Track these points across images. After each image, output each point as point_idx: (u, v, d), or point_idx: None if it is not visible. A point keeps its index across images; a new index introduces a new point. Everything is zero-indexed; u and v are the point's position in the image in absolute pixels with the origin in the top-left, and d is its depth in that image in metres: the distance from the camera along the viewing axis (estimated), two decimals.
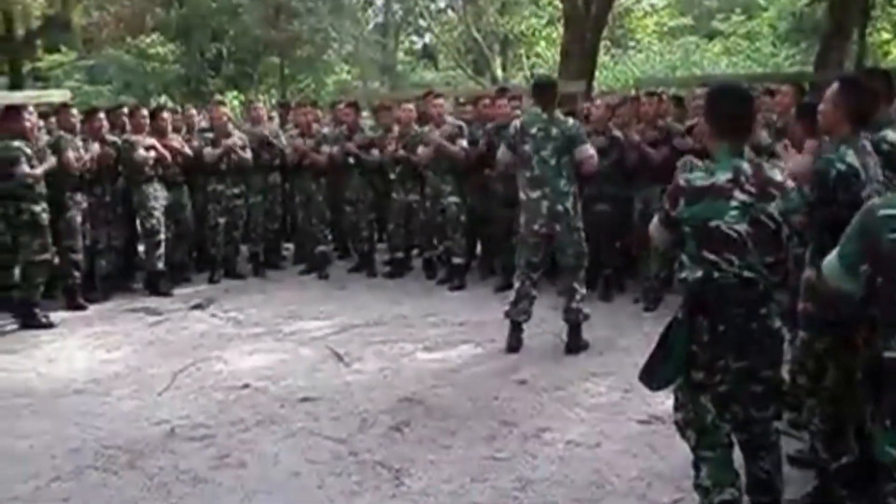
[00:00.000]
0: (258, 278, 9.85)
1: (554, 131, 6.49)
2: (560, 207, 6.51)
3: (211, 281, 9.64)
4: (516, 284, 6.77)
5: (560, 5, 16.18)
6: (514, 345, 6.79)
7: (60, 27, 23.01)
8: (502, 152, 6.79)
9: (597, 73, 16.34)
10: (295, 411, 5.56)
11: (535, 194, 6.52)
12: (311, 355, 6.83)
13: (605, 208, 8.11)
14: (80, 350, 7.24)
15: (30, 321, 7.92)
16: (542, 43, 28.69)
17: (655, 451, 4.81)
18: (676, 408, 3.69)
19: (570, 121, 6.71)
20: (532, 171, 6.53)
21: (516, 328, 6.82)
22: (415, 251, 9.96)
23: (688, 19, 28.38)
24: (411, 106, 9.60)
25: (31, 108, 8.54)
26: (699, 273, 3.46)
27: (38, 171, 7.86)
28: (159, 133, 9.15)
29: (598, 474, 4.56)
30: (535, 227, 6.55)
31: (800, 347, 4.02)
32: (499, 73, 28.83)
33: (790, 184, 3.55)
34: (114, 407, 5.80)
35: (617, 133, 8.23)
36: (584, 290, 6.78)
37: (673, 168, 3.81)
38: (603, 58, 21.26)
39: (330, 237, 10.05)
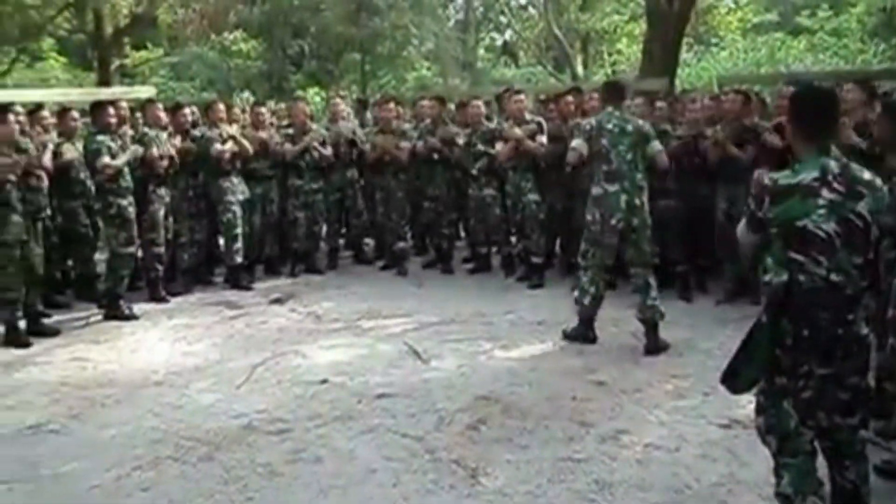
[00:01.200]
0: (337, 274, 9.89)
1: (629, 127, 6.65)
2: (637, 201, 6.62)
3: (291, 275, 9.71)
4: (585, 279, 6.83)
5: (642, 2, 15.99)
6: (593, 337, 6.89)
7: (147, 25, 23.47)
8: (578, 143, 6.80)
9: (679, 71, 16.09)
10: (372, 408, 5.55)
11: (614, 188, 6.58)
12: (389, 351, 6.82)
13: (670, 203, 7.96)
14: (162, 342, 7.34)
15: (114, 313, 8.08)
16: (624, 40, 28.44)
17: (736, 456, 4.68)
18: (758, 412, 3.59)
19: (641, 120, 6.91)
20: (610, 165, 6.61)
21: (589, 324, 6.91)
22: (493, 248, 9.89)
23: (773, 15, 27.81)
24: (480, 102, 9.60)
25: (122, 104, 8.73)
26: (784, 276, 3.36)
27: (117, 161, 7.97)
28: (256, 126, 9.36)
29: (676, 479, 4.45)
30: (613, 221, 6.58)
31: (890, 355, 3.88)
32: (579, 70, 28.59)
33: (880, 182, 3.42)
34: (193, 399, 5.85)
35: (667, 127, 8.13)
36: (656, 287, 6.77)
37: (760, 166, 3.71)
38: (685, 55, 20.95)
39: (409, 233, 10.05)
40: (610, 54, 29.28)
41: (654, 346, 6.62)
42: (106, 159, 7.89)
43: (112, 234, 8.09)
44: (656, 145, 6.76)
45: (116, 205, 8.02)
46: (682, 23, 13.73)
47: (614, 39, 28.89)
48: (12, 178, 7.15)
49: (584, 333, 6.90)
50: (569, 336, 6.94)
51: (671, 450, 4.80)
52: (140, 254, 8.55)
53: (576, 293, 7.00)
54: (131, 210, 8.10)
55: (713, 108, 8.37)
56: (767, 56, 23.05)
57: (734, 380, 3.56)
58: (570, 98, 9.16)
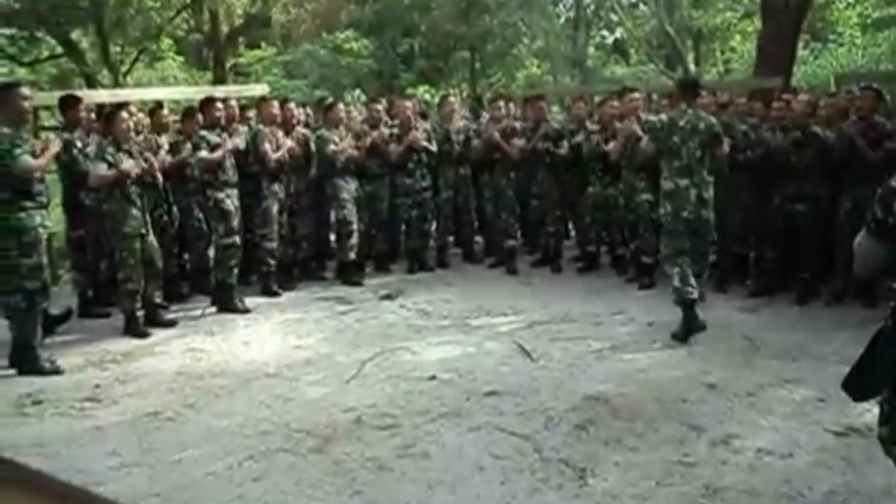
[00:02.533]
0: (447, 271, 9.93)
1: (701, 126, 6.99)
2: (706, 195, 7.04)
3: (409, 272, 9.80)
4: (674, 269, 6.93)
5: None
6: (699, 326, 6.87)
7: (261, 24, 23.93)
8: (645, 144, 7.37)
9: (795, 68, 15.69)
10: (480, 405, 5.53)
11: (684, 182, 6.98)
12: (498, 349, 6.80)
13: (804, 208, 7.76)
14: (273, 335, 7.47)
15: (227, 305, 8.26)
16: (737, 37, 27.89)
17: (852, 465, 4.52)
18: (881, 422, 3.43)
19: (712, 119, 7.21)
20: (681, 161, 7.00)
21: (690, 308, 6.86)
22: (603, 248, 9.78)
23: (894, 10, 26.87)
24: (582, 104, 9.82)
25: (232, 102, 8.91)
26: None
27: (214, 155, 8.14)
28: (370, 124, 9.57)
29: (789, 486, 4.33)
30: (684, 214, 6.98)
31: None
32: (691, 68, 28.11)
33: None
34: (303, 392, 5.94)
35: (816, 129, 7.85)
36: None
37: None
38: (801, 51, 20.42)
39: (519, 231, 10.03)
40: (722, 52, 28.77)
41: (694, 327, 6.85)
42: (202, 153, 8.07)
43: (214, 227, 8.30)
44: (724, 147, 7.23)
45: (214, 198, 8.22)
46: (799, 18, 13.39)
47: (727, 37, 28.35)
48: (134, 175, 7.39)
49: (690, 323, 6.86)
50: (679, 336, 6.84)
51: (784, 456, 4.67)
52: (252, 248, 8.73)
53: (672, 286, 6.99)
54: (229, 203, 8.25)
55: (833, 105, 8.15)
56: (888, 52, 22.31)
57: (857, 386, 3.42)
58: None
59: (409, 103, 10.17)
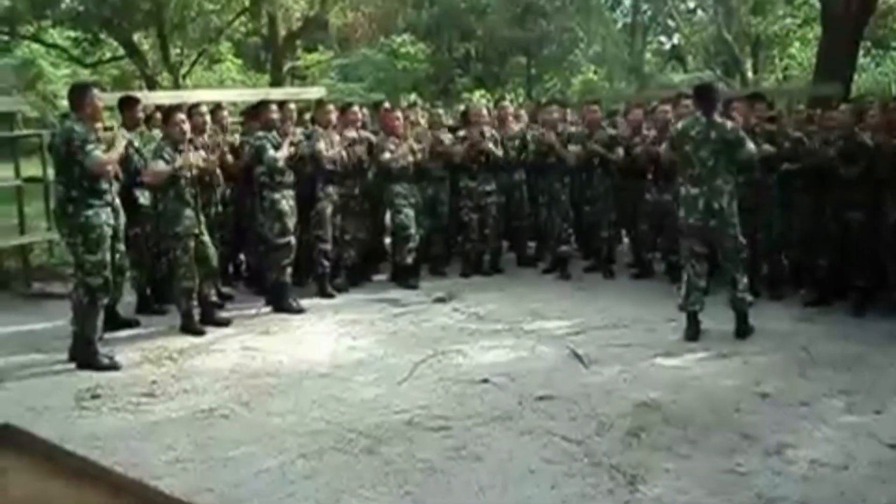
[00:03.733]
0: (501, 275, 9.93)
1: (713, 134, 6.93)
2: (716, 205, 6.96)
3: (463, 276, 9.83)
4: (684, 276, 7.18)
5: (817, 4, 15.48)
6: (692, 335, 7.07)
7: (318, 28, 24.11)
8: (665, 149, 7.46)
9: (855, 76, 15.50)
10: (532, 409, 5.53)
11: (695, 191, 7.00)
12: (551, 354, 6.80)
13: (857, 216, 7.68)
14: (327, 336, 7.53)
15: (282, 305, 8.33)
16: (797, 44, 27.59)
17: None
18: None
19: (729, 124, 7.11)
20: (693, 169, 7.03)
21: (692, 319, 7.12)
22: (657, 255, 9.72)
23: None
24: (639, 111, 9.86)
25: (290, 105, 9.01)
26: None
27: (280, 153, 8.22)
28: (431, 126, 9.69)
29: (843, 498, 4.28)
30: (692, 220, 7.05)
31: None
32: (750, 74, 27.87)
33: None
34: (356, 393, 5.97)
35: (865, 138, 7.79)
36: (745, 280, 7.16)
37: None
38: (862, 59, 20.15)
39: (573, 236, 10.01)
40: (781, 59, 28.47)
41: (743, 331, 7.09)
42: (271, 152, 8.15)
43: (268, 227, 8.36)
44: (749, 150, 7.04)
45: (270, 199, 8.28)
46: (860, 26, 13.26)
47: (786, 43, 28.05)
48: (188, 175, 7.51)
49: (690, 331, 7.12)
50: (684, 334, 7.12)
51: (839, 468, 4.61)
52: (307, 249, 8.80)
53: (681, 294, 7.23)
54: (284, 204, 8.31)
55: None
56: None
57: None
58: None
59: (483, 109, 10.22)
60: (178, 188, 7.46)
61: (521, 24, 23.59)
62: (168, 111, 7.96)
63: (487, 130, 9.81)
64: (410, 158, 9.24)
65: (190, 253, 7.54)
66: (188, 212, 7.52)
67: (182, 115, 7.70)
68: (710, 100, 7.09)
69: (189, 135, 7.68)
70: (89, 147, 6.40)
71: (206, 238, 7.72)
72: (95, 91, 6.73)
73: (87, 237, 6.51)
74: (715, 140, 6.90)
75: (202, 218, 7.70)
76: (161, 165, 7.38)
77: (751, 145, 7.04)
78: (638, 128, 9.35)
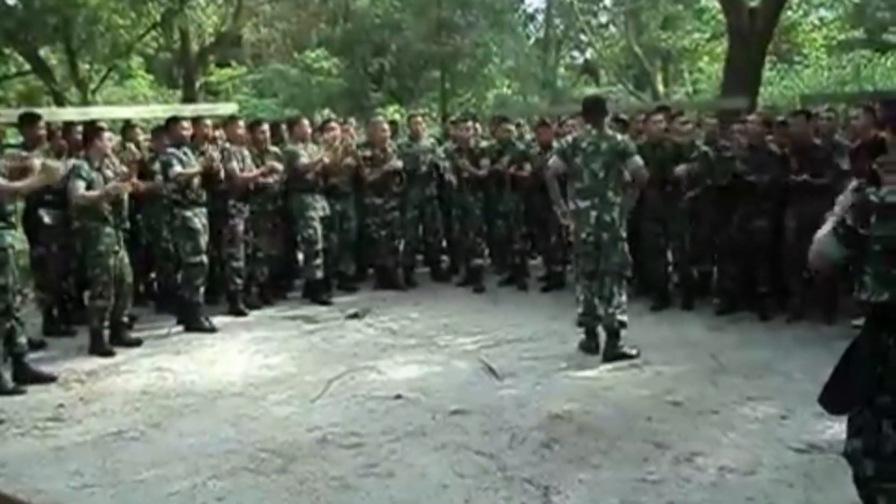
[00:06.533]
0: (414, 290, 9.95)
1: (603, 146, 6.89)
2: (607, 217, 6.90)
3: (376, 291, 9.85)
4: (580, 295, 7.12)
5: (724, 20, 15.85)
6: (593, 348, 7.08)
7: (231, 43, 23.91)
8: (553, 160, 7.16)
9: (761, 89, 15.89)
10: (445, 424, 5.55)
11: (585, 204, 6.94)
12: (464, 368, 6.82)
13: (761, 224, 7.92)
14: (240, 354, 7.46)
15: (193, 324, 8.23)
16: (705, 58, 28.22)
17: (814, 481, 4.55)
18: (852, 434, 3.45)
19: (619, 136, 7.15)
20: (582, 183, 6.95)
21: (591, 334, 7.12)
22: (569, 267, 9.83)
23: (859, 32, 27.16)
24: (468, 124, 10.17)
25: (207, 122, 8.94)
26: (885, 295, 3.25)
27: (188, 170, 8.15)
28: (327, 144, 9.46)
29: (751, 503, 4.37)
30: (583, 235, 6.97)
31: None
32: (660, 88, 28.36)
33: None
34: (269, 411, 5.92)
35: (774, 148, 8.06)
36: (623, 298, 7.00)
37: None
38: (768, 73, 20.67)
39: (486, 250, 10.09)
40: (691, 73, 29.06)
41: (612, 354, 6.90)
42: (178, 168, 8.06)
43: (180, 245, 8.28)
44: (636, 161, 6.94)
45: (182, 216, 8.21)
46: (765, 40, 13.62)
47: (695, 58, 28.65)
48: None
49: (588, 346, 7.14)
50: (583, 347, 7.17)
51: (746, 473, 4.71)
52: (219, 268, 8.72)
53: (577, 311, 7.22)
54: (196, 221, 8.26)
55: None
56: (853, 74, 22.63)
57: (834, 399, 3.47)
58: (658, 118, 8.83)
59: (384, 124, 10.23)
60: (97, 206, 7.36)
61: (436, 39, 23.64)
62: (88, 131, 7.78)
63: (390, 146, 9.86)
64: (323, 161, 9.23)
65: (109, 272, 7.44)
66: (108, 229, 7.44)
67: (106, 135, 7.62)
68: (600, 112, 7.10)
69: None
70: None
71: (124, 254, 7.63)
72: None
73: None
74: (605, 152, 6.87)
75: (120, 235, 7.58)
76: (81, 185, 7.26)
77: (638, 158, 6.97)
78: (547, 145, 9.41)
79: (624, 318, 6.95)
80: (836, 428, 4.88)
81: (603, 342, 7.00)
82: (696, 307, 8.51)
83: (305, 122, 9.77)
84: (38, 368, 6.85)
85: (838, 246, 3.37)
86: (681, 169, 8.26)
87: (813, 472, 4.66)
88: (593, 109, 7.12)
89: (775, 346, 7.14)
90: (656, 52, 29.06)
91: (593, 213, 6.90)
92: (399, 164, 9.74)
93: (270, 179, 8.95)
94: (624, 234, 7.02)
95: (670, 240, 8.51)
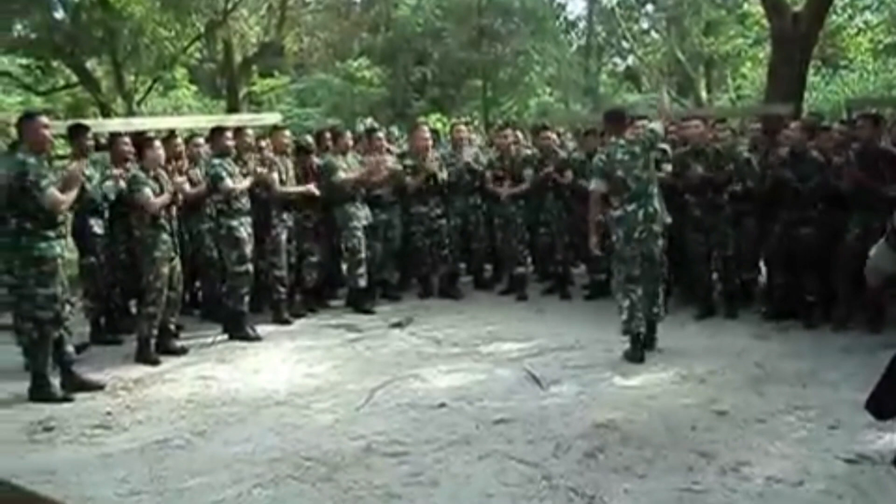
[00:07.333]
0: (457, 298, 9.95)
1: (637, 149, 7.14)
2: (651, 209, 7.15)
3: (420, 299, 9.89)
4: (626, 301, 7.19)
5: (767, 25, 15.71)
6: (638, 357, 7.10)
7: (274, 53, 24.08)
8: (596, 183, 7.30)
9: (806, 94, 15.73)
10: (490, 433, 5.52)
11: (632, 207, 7.12)
12: (508, 377, 6.79)
13: (808, 231, 7.83)
14: (284, 363, 7.49)
15: (238, 333, 8.28)
16: (748, 63, 28.00)
17: (863, 493, 4.46)
18: None
19: (646, 132, 7.35)
20: (630, 191, 7.12)
21: (636, 342, 7.17)
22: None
23: None
24: (508, 132, 10.24)
25: (248, 131, 9.00)
26: None
27: (239, 185, 8.24)
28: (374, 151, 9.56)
29: None
30: (636, 235, 7.10)
31: None
32: (703, 94, 28.19)
33: None
34: (313, 420, 5.93)
35: (816, 155, 7.96)
36: (662, 296, 7.52)
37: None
38: (813, 78, 20.46)
39: (529, 259, 10.07)
40: (734, 78, 28.85)
41: (652, 344, 7.33)
42: (228, 182, 8.13)
43: (225, 254, 8.34)
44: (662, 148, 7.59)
45: (227, 226, 8.27)
46: (809, 45, 13.48)
47: (738, 63, 28.44)
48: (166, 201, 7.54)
49: (635, 354, 7.14)
50: (628, 356, 7.18)
51: (794, 484, 4.63)
52: (263, 276, 8.78)
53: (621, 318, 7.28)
54: (242, 231, 8.30)
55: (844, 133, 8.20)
56: None
57: (882, 406, 3.42)
58: (695, 122, 8.86)
59: (427, 132, 10.24)
60: (155, 214, 7.47)
61: (477, 48, 23.69)
62: (141, 142, 7.91)
63: (432, 154, 9.88)
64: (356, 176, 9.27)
65: (163, 279, 7.53)
66: (164, 237, 7.54)
67: (158, 144, 7.77)
68: (620, 122, 7.40)
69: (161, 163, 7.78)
70: (44, 183, 6.30)
71: (177, 263, 7.71)
72: (42, 119, 6.60)
73: (40, 270, 6.42)
74: (640, 154, 7.10)
75: (176, 243, 7.69)
76: (147, 193, 7.40)
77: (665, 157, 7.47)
78: (592, 153, 9.37)
79: (662, 310, 7.42)
80: (886, 438, 4.84)
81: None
82: (740, 315, 8.43)
83: (348, 134, 9.81)
84: (86, 376, 6.92)
85: (893, 256, 3.30)
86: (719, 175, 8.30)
87: (862, 483, 4.57)
88: (615, 121, 7.42)
89: (821, 355, 7.05)
90: (699, 57, 28.89)
91: (641, 212, 7.08)
92: (435, 166, 9.73)
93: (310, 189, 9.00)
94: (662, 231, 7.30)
95: (713, 248, 8.43)
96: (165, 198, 7.51)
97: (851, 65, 25.41)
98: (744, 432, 5.42)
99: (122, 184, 7.94)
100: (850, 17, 26.60)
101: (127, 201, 7.77)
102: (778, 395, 6.11)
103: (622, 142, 7.17)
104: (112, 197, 8.05)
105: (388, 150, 10.08)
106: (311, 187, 8.97)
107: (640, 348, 7.12)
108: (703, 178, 8.23)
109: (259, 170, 8.59)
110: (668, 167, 8.45)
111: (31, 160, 6.34)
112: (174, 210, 7.78)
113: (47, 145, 6.68)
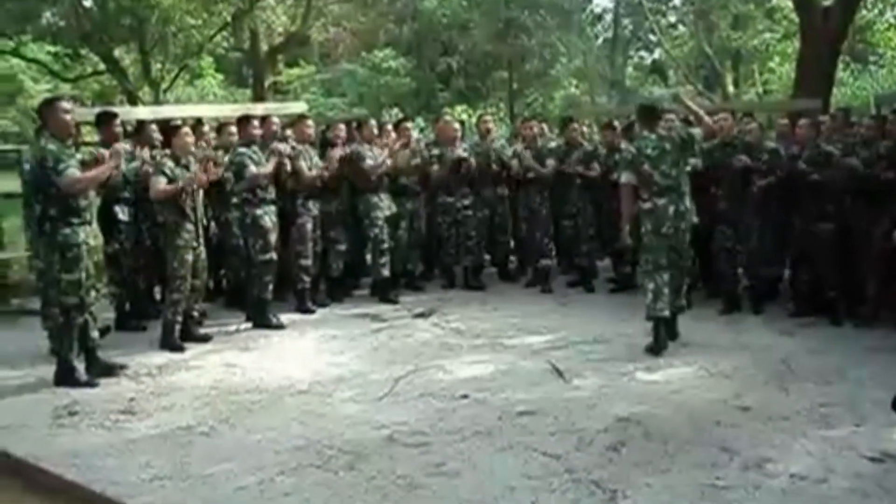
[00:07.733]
0: (481, 290, 9.95)
1: (667, 146, 7.16)
2: (682, 207, 7.19)
3: (444, 290, 9.89)
4: (650, 284, 7.20)
5: (796, 19, 15.59)
6: (660, 350, 7.07)
7: (300, 43, 24.12)
8: (626, 176, 7.36)
9: (834, 90, 15.60)
10: (512, 424, 5.51)
11: (662, 202, 7.14)
12: (531, 369, 6.78)
13: (827, 227, 7.77)
14: (307, 352, 7.52)
15: (262, 321, 8.30)
16: (776, 58, 27.75)
17: (888, 492, 4.43)
18: None
19: (676, 128, 7.52)
20: (658, 185, 7.15)
21: (659, 326, 7.15)
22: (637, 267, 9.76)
23: None
24: (533, 123, 10.17)
25: (274, 119, 9.02)
26: None
27: (262, 170, 8.25)
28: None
29: None
30: (663, 230, 7.13)
31: None
32: (730, 88, 28.02)
33: None
34: (336, 409, 5.95)
35: (830, 149, 7.94)
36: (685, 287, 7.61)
37: None
38: (841, 73, 20.29)
39: (554, 251, 10.04)
40: (761, 73, 28.63)
41: (673, 334, 7.38)
42: (252, 169, 8.15)
43: (250, 243, 8.36)
44: (696, 150, 7.49)
45: (252, 215, 8.28)
46: (838, 40, 13.36)
47: (766, 58, 28.21)
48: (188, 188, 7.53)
49: (660, 341, 7.14)
50: (654, 351, 7.11)
51: (818, 481, 4.59)
52: (288, 265, 8.80)
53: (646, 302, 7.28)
54: (267, 220, 8.32)
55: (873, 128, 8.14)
56: None
57: None
58: (723, 115, 8.77)
59: (454, 123, 10.22)
60: (178, 202, 7.48)
61: (503, 39, 23.64)
62: (170, 129, 7.95)
63: (460, 144, 9.88)
64: (386, 165, 9.28)
65: (186, 266, 7.56)
66: (188, 225, 7.57)
67: (187, 130, 7.81)
68: (653, 117, 7.39)
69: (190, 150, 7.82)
70: (62, 166, 6.30)
71: (202, 250, 7.74)
72: (63, 104, 6.59)
73: (64, 256, 6.45)
74: (671, 151, 7.14)
75: (200, 231, 7.71)
76: (163, 181, 7.42)
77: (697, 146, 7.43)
78: (613, 146, 9.34)
79: (685, 302, 7.57)
80: None
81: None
82: (765, 311, 8.38)
83: (373, 122, 9.82)
84: (111, 360, 6.97)
85: None
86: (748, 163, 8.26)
87: (886, 482, 4.54)
88: (647, 116, 7.41)
89: (846, 353, 6.98)
90: (726, 51, 28.69)
91: (671, 208, 7.10)
92: (464, 153, 9.72)
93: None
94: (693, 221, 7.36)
95: (739, 242, 8.37)
96: (170, 187, 7.44)
97: (881, 60, 25.15)
98: (767, 428, 5.38)
99: (145, 166, 7.97)
100: (881, 13, 26.33)
101: (144, 186, 7.81)
102: (802, 392, 6.06)
103: (653, 136, 7.21)
104: (132, 178, 8.07)
105: (417, 141, 10.09)
106: (335, 159, 9.00)
107: (663, 338, 7.10)
108: (746, 167, 8.16)
109: (283, 148, 8.58)
110: (696, 161, 8.36)
111: (51, 146, 6.36)
112: (199, 198, 7.79)
113: (69, 130, 6.68)
